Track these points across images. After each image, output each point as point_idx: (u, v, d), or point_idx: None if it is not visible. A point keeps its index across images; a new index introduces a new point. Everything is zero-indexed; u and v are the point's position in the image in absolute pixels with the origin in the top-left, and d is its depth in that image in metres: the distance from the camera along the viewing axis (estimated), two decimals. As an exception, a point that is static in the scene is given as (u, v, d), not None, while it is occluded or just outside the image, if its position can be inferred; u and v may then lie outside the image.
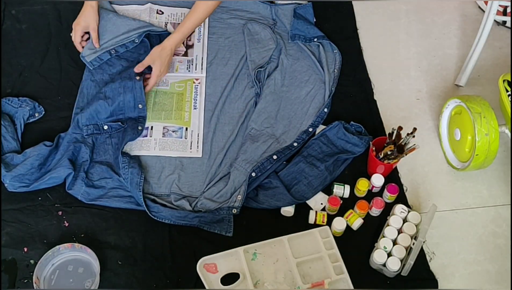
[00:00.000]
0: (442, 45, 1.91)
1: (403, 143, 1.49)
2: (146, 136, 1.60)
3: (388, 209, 1.50)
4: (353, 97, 1.74)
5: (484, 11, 1.78)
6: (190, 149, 1.59)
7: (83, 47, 1.72)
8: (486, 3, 1.88)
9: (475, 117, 1.47)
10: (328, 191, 1.54)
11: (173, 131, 1.62)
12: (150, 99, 1.66)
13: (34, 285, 1.32)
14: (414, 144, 1.49)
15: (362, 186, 1.51)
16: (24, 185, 1.47)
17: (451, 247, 1.49)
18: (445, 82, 1.81)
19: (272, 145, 1.60)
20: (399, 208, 1.48)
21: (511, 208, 1.55)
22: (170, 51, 1.64)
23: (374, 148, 1.52)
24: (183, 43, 1.78)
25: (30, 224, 1.44)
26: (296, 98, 1.70)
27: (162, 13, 1.86)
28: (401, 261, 1.40)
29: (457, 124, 1.59)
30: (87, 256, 1.38)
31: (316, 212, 1.48)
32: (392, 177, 1.57)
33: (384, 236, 1.44)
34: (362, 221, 1.48)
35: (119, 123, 1.59)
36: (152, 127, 1.62)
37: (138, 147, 1.58)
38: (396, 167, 1.58)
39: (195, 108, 1.67)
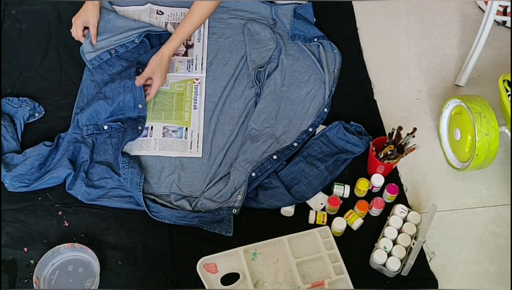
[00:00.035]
0: (442, 45, 1.91)
1: (403, 143, 1.49)
2: (146, 136, 1.60)
3: (388, 209, 1.50)
4: (353, 97, 1.74)
5: (484, 11, 1.78)
6: (190, 149, 1.59)
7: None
8: (486, 3, 1.88)
9: (475, 117, 1.47)
10: (328, 191, 1.54)
11: (173, 131, 1.62)
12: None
13: (34, 285, 1.32)
14: (414, 144, 1.49)
15: (362, 186, 1.51)
16: (24, 185, 1.47)
17: (451, 247, 1.49)
18: (445, 82, 1.81)
19: (272, 145, 1.60)
20: (399, 208, 1.48)
21: (511, 208, 1.55)
22: (168, 58, 1.63)
23: (374, 148, 1.52)
24: (183, 43, 1.78)
25: (30, 224, 1.44)
26: (296, 98, 1.70)
27: (162, 13, 1.86)
28: (401, 261, 1.40)
29: (457, 124, 1.59)
30: (87, 256, 1.38)
31: (316, 212, 1.48)
32: (392, 177, 1.57)
33: (384, 236, 1.44)
34: (362, 221, 1.48)
35: (119, 123, 1.59)
36: (152, 127, 1.62)
37: (138, 147, 1.58)
38: (396, 167, 1.58)
39: (195, 108, 1.67)
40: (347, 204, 1.51)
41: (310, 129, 1.63)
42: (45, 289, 1.34)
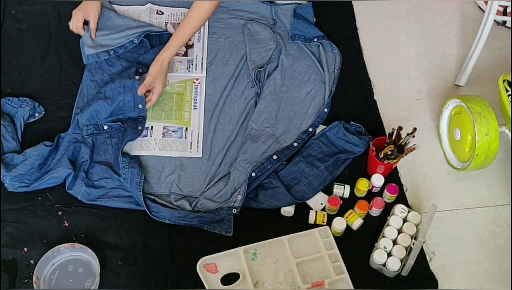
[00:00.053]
0: (442, 45, 1.91)
1: (403, 143, 1.49)
2: (146, 136, 1.60)
3: (388, 209, 1.50)
4: (353, 97, 1.74)
5: (484, 11, 1.78)
6: (190, 149, 1.59)
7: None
8: (486, 3, 1.88)
9: (475, 117, 1.47)
10: (328, 191, 1.54)
11: (173, 131, 1.62)
12: (150, 99, 1.66)
13: (34, 285, 1.32)
14: (414, 144, 1.49)
15: (362, 186, 1.51)
16: (24, 185, 1.47)
17: (451, 247, 1.49)
18: (445, 82, 1.81)
19: (272, 145, 1.60)
20: (399, 208, 1.48)
21: (511, 208, 1.55)
22: (168, 64, 1.63)
23: (374, 148, 1.52)
24: (183, 43, 1.79)
25: (30, 224, 1.44)
26: (296, 98, 1.70)
27: (162, 13, 1.86)
28: (401, 261, 1.40)
29: (457, 124, 1.59)
30: (87, 256, 1.38)
31: (316, 212, 1.48)
32: (392, 177, 1.57)
33: (384, 236, 1.44)
34: (362, 221, 1.48)
35: (119, 123, 1.59)
36: (152, 127, 1.62)
37: (138, 147, 1.58)
38: (396, 167, 1.58)
39: (195, 108, 1.67)
40: (347, 204, 1.51)
41: (310, 129, 1.63)
42: (45, 289, 1.34)
